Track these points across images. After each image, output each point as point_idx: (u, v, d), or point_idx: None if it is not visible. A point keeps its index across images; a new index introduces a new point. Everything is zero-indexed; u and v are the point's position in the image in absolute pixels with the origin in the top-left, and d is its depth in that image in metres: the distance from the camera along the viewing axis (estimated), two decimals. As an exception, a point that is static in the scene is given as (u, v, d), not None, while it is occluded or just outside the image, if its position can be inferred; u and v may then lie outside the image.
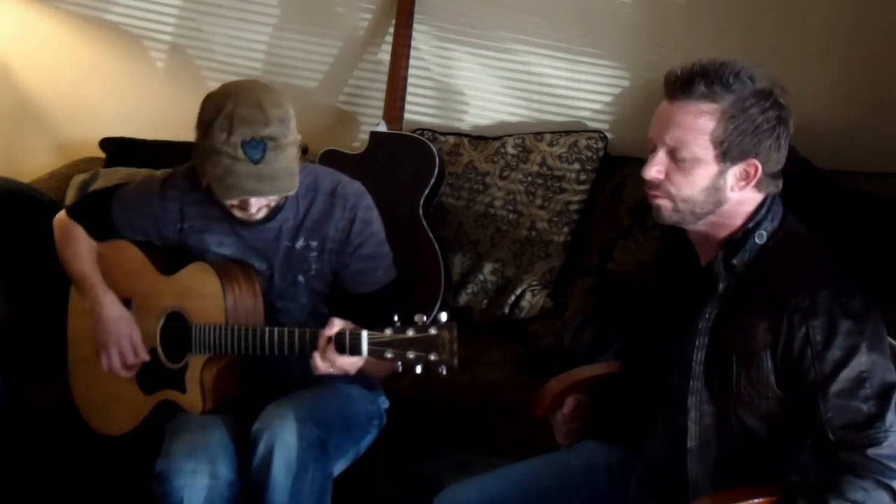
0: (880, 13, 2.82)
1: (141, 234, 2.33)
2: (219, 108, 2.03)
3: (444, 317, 1.89)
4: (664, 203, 1.70)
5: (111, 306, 2.29)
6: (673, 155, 1.67)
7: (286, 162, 2.05)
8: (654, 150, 1.70)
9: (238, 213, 2.14)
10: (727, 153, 1.65)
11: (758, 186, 1.69)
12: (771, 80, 1.67)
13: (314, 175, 2.25)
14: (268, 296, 2.23)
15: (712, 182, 1.67)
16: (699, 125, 1.64)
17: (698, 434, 1.71)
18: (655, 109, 1.72)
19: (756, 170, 1.67)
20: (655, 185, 1.70)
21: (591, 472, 1.93)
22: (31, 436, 2.64)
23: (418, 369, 1.90)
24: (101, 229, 2.35)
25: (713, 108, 1.64)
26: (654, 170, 1.69)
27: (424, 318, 1.90)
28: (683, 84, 1.65)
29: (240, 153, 2.00)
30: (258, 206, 2.11)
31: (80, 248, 2.35)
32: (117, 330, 2.27)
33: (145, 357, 2.27)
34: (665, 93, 1.70)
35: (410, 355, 1.89)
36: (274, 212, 2.18)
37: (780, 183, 1.72)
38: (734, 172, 1.67)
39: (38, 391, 2.67)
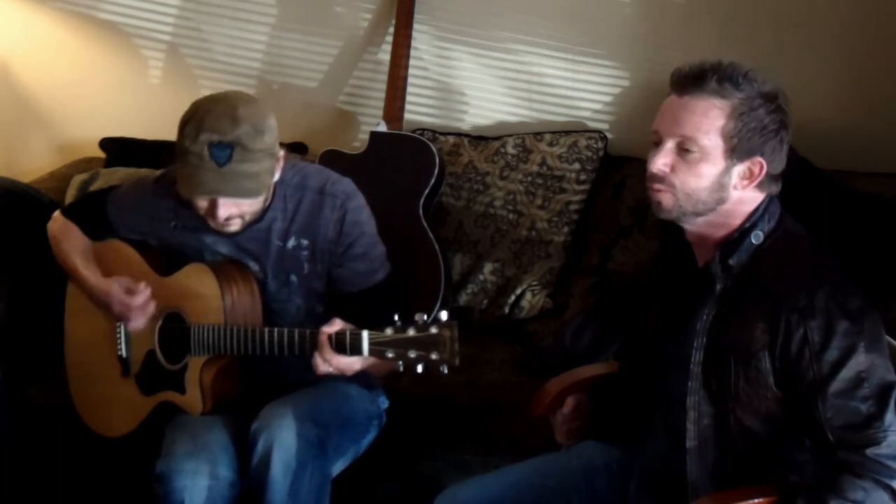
0: (880, 13, 2.82)
1: (136, 232, 2.34)
2: (195, 110, 2.05)
3: (444, 315, 1.87)
4: (666, 197, 1.70)
5: (104, 286, 2.28)
6: (681, 147, 1.67)
7: (255, 169, 2.03)
8: (659, 143, 1.70)
9: (211, 223, 2.13)
10: (735, 150, 1.66)
11: (759, 187, 1.70)
12: (775, 85, 1.70)
13: (303, 174, 2.25)
14: (263, 297, 2.23)
15: (718, 178, 1.67)
16: (711, 118, 1.65)
17: (697, 434, 1.71)
18: (658, 108, 1.73)
19: (761, 168, 1.68)
20: (660, 178, 1.69)
21: (591, 472, 1.93)
22: (31, 435, 2.65)
23: (419, 369, 1.89)
24: (97, 228, 2.36)
25: (724, 103, 1.65)
26: (662, 162, 1.69)
27: (425, 317, 1.89)
28: (695, 79, 1.67)
29: (206, 154, 2.00)
30: (227, 214, 2.09)
31: (75, 245, 2.35)
32: (114, 292, 2.25)
33: (146, 291, 2.24)
34: (673, 88, 1.71)
35: (411, 355, 1.88)
36: (256, 218, 2.17)
37: (779, 185, 1.73)
38: (739, 170, 1.68)
39: (38, 390, 2.68)
